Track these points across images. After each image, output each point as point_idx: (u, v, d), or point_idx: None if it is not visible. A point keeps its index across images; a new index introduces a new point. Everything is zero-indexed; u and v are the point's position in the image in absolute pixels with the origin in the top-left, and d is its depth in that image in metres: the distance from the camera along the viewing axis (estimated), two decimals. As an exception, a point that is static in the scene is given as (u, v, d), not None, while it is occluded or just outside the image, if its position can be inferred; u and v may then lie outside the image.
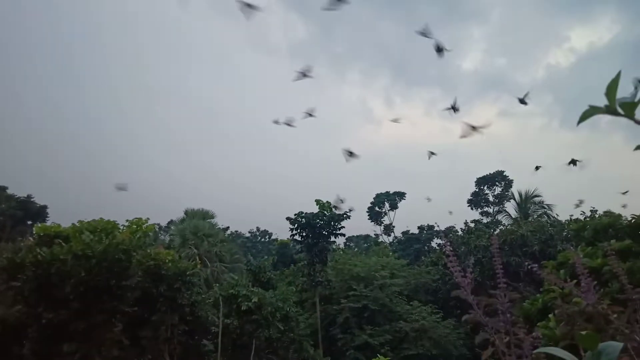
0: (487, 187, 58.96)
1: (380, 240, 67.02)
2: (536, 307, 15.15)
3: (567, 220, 36.08)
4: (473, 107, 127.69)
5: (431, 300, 32.32)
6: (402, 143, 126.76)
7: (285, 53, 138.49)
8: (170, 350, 21.85)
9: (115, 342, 19.22)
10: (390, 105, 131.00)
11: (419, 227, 63.71)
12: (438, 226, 68.01)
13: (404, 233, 65.16)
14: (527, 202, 44.80)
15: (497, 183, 58.51)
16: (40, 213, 53.64)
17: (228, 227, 65.77)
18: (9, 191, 55.12)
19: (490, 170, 59.38)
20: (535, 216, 42.85)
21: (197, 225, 39.42)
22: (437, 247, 55.12)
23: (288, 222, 29.53)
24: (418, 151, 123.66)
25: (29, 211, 53.36)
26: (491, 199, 58.64)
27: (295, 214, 29.22)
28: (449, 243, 4.49)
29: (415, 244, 62.14)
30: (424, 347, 26.54)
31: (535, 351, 4.90)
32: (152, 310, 21.31)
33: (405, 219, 72.70)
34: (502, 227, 45.95)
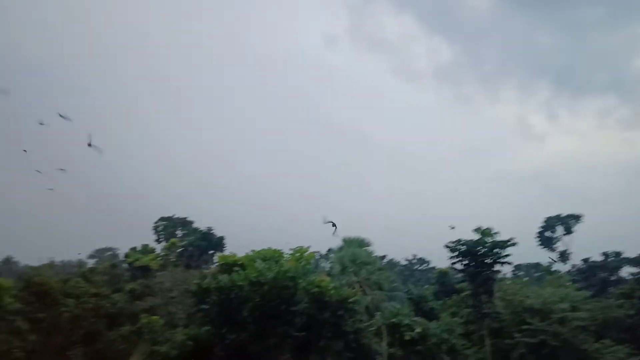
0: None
1: (554, 268, 59.96)
2: None
3: None
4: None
5: (626, 339, 27.51)
6: (571, 159, 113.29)
7: (430, 78, 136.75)
8: (337, 377, 22.37)
9: (286, 365, 20.46)
10: (553, 119, 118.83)
11: (603, 254, 55.39)
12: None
13: (584, 260, 57.24)
14: None
15: None
16: (219, 243, 60.63)
17: (385, 255, 65.91)
18: (194, 225, 63.76)
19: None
20: None
21: (355, 253, 40.18)
22: (628, 277, 47.13)
23: (447, 249, 28.36)
24: (593, 168, 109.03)
25: (211, 242, 60.71)
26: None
27: (453, 242, 27.97)
28: None
29: (600, 272, 54.00)
30: (623, 395, 22.60)
31: None
32: (318, 336, 22.21)
33: (584, 245, 63.88)
34: None
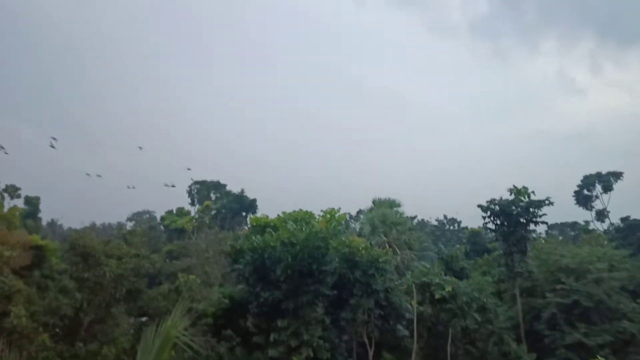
0: None
1: (591, 227, 58.59)
2: None
3: None
4: None
5: (666, 299, 26.92)
6: (615, 114, 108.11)
7: (465, 33, 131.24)
8: (368, 332, 22.95)
9: (318, 322, 21.08)
10: (597, 72, 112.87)
11: (643, 212, 53.59)
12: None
13: (623, 219, 55.56)
14: None
15: None
16: (251, 205, 61.84)
17: (415, 215, 65.85)
18: (227, 188, 65.05)
19: None
20: None
21: (385, 214, 40.29)
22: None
23: (480, 210, 27.98)
24: (638, 122, 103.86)
25: (243, 204, 61.99)
26: None
27: (487, 202, 27.52)
28: None
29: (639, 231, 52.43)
30: (659, 354, 22.33)
31: None
32: (349, 294, 22.71)
33: (624, 203, 61.85)
34: None
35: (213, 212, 60.22)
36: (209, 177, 66.84)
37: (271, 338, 20.25)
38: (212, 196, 65.58)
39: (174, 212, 61.20)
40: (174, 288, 22.06)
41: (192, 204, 65.68)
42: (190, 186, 66.50)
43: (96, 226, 61.44)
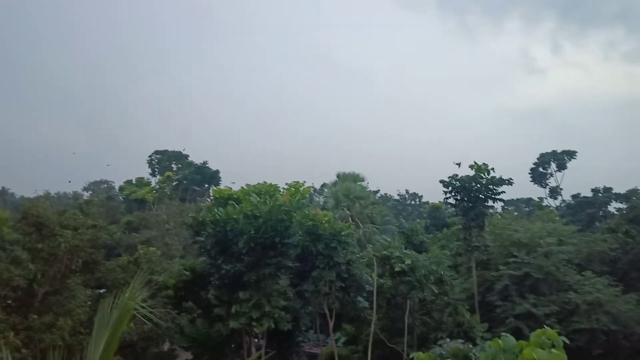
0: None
1: (545, 204, 61.24)
2: None
3: None
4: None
5: (608, 272, 28.64)
6: (573, 94, 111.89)
7: (434, 7, 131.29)
8: (329, 304, 23.40)
9: (281, 294, 21.30)
10: (558, 52, 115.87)
11: (592, 190, 56.36)
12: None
13: (574, 196, 58.32)
14: None
15: (699, 136, 48.29)
16: (214, 177, 61.07)
17: (378, 189, 66.82)
18: (189, 159, 63.81)
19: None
20: None
21: (348, 188, 40.73)
22: (616, 212, 48.25)
23: (441, 185, 28.57)
24: (593, 103, 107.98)
25: (205, 175, 61.12)
26: (691, 155, 48.78)
27: (449, 177, 28.10)
28: None
29: (588, 208, 55.22)
30: (599, 322, 23.80)
31: None
32: (311, 266, 22.98)
33: (575, 181, 64.87)
34: None
35: (174, 183, 59.11)
36: (171, 147, 65.33)
37: (232, 310, 20.31)
38: (174, 167, 64.23)
39: (134, 182, 59.65)
40: (133, 260, 21.68)
41: (153, 174, 64.18)
42: (150, 156, 64.84)
43: (50, 195, 59.21)
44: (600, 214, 53.87)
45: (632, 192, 52.54)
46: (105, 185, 76.73)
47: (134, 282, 4.98)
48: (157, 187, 57.28)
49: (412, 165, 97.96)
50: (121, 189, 62.02)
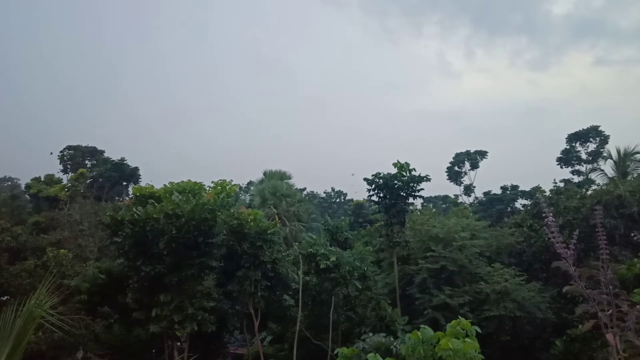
0: (580, 144, 54.45)
1: (460, 201, 65.11)
2: (633, 272, 13.99)
3: (675, 179, 32.55)
4: (564, 57, 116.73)
5: (514, 263, 31.02)
6: (483, 98, 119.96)
7: (356, 6, 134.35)
8: (255, 303, 23.22)
9: (205, 295, 20.74)
10: (470, 58, 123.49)
11: (501, 187, 60.87)
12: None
13: (485, 194, 62.61)
14: (625, 159, 40.85)
15: (590, 139, 53.77)
16: (133, 174, 58.09)
17: (305, 187, 67.38)
18: (105, 155, 60.20)
19: (584, 125, 54.61)
20: (635, 175, 39.08)
21: (275, 186, 40.65)
22: (521, 208, 52.45)
23: (365, 182, 29.36)
24: (502, 106, 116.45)
25: (124, 173, 57.97)
26: (584, 156, 54.20)
27: (372, 175, 28.95)
28: (551, 214, 4.20)
29: (498, 204, 59.56)
30: (506, 309, 25.72)
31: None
32: (237, 266, 22.64)
33: (487, 179, 69.82)
34: (596, 186, 42.57)
35: (89, 181, 55.46)
36: (84, 142, 61.20)
37: (153, 313, 19.44)
38: (88, 163, 60.24)
39: (42, 179, 55.16)
40: (41, 263, 20.11)
41: (65, 171, 59.78)
42: (62, 151, 60.34)
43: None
44: (508, 209, 58.20)
45: (536, 189, 57.55)
46: (9, 183, 70.29)
47: (41, 287, 4.65)
48: (70, 184, 53.44)
49: (338, 163, 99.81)
50: (28, 186, 57.06)
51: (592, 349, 18.64)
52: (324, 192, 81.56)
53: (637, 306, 4.07)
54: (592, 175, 49.89)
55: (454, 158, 65.78)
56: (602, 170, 46.75)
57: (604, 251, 3.80)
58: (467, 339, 10.08)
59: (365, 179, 29.30)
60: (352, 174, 27.14)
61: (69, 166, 59.65)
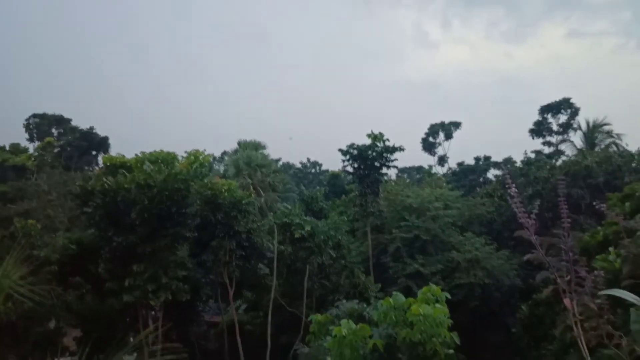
0: (552, 116, 55.50)
1: (433, 171, 66.02)
2: (596, 240, 14.50)
3: (639, 150, 33.70)
4: (539, 29, 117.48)
5: (485, 232, 31.94)
6: (459, 69, 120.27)
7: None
8: (229, 272, 23.31)
9: (179, 264, 20.68)
10: (447, 29, 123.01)
11: (474, 158, 61.97)
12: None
13: (459, 164, 63.62)
14: (594, 131, 41.93)
15: (562, 111, 54.83)
16: (102, 143, 56.58)
17: (280, 158, 67.00)
18: (72, 123, 58.30)
19: (556, 97, 55.55)
20: (603, 146, 40.24)
21: (250, 156, 40.27)
22: (493, 179, 53.60)
23: (340, 153, 29.41)
24: (477, 78, 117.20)
25: (93, 142, 56.37)
26: (555, 128, 55.36)
27: (347, 146, 29.00)
28: (514, 185, 4.25)
29: (471, 175, 60.71)
30: (477, 277, 26.62)
31: (600, 293, 4.69)
32: (211, 236, 22.57)
33: (460, 150, 70.71)
34: (565, 157, 43.72)
35: (56, 150, 53.84)
36: (51, 110, 59.01)
37: (126, 283, 19.31)
38: (55, 132, 58.31)
39: (7, 148, 53.24)
40: (9, 234, 19.61)
41: (31, 140, 57.78)
42: (27, 119, 58.19)
43: None
44: (481, 180, 59.44)
45: (507, 161, 58.79)
46: (-28, 152, 67.59)
47: (8, 258, 4.53)
48: (37, 154, 51.78)
49: (314, 134, 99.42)
50: (-9, 156, 55.05)
51: (555, 313, 19.50)
52: (300, 163, 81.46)
53: (594, 272, 4.22)
54: (562, 147, 51.16)
55: (428, 129, 66.29)
56: (572, 141, 47.99)
57: (566, 220, 3.91)
58: (437, 305, 10.41)
59: (340, 150, 29.35)
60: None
61: (35, 135, 57.65)
